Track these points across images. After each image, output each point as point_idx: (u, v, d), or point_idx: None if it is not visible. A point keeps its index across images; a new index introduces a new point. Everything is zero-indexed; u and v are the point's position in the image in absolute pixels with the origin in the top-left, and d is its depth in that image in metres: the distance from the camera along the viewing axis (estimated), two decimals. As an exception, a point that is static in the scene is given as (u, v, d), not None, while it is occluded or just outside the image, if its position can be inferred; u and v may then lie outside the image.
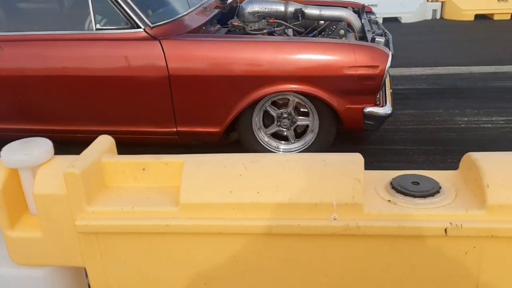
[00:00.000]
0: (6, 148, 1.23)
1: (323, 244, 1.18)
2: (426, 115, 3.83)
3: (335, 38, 3.23)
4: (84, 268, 1.30)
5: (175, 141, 3.23)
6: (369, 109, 2.97)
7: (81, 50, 2.98)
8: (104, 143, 1.31)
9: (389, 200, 1.18)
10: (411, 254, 1.16)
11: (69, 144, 3.66)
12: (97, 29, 2.98)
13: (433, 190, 1.18)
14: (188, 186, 1.18)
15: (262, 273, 1.22)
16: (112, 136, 3.29)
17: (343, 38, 3.25)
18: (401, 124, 3.72)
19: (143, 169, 1.26)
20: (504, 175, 1.11)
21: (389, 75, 3.57)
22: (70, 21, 3.16)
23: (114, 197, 1.22)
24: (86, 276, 1.36)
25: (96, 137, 3.28)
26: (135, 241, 1.21)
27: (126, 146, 3.56)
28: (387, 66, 2.87)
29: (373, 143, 3.50)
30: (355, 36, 3.34)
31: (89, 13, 2.98)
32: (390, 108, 3.05)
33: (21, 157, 1.18)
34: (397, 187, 1.21)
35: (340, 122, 3.09)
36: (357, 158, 1.20)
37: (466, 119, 3.71)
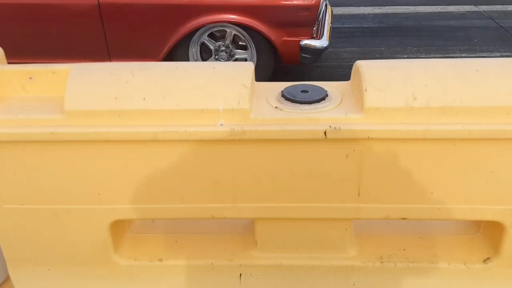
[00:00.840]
0: None
1: (212, 151, 1.19)
2: (368, 52, 3.86)
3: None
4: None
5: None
6: (305, 41, 2.95)
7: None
8: (-8, 52, 1.25)
9: (276, 107, 1.20)
10: (295, 158, 1.18)
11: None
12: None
13: (319, 97, 1.20)
14: (73, 93, 1.15)
15: (153, 182, 1.23)
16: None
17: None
18: (343, 61, 3.74)
19: (30, 78, 1.22)
20: (382, 80, 1.13)
21: (331, 9, 3.55)
22: None
23: (2, 107, 1.19)
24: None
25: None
26: (22, 151, 1.19)
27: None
28: (322, -3, 2.84)
29: (315, 78, 3.51)
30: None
31: None
32: (327, 41, 3.04)
33: None
34: (286, 95, 1.22)
35: (278, 56, 3.08)
36: (247, 66, 1.20)
37: (405, 56, 3.75)
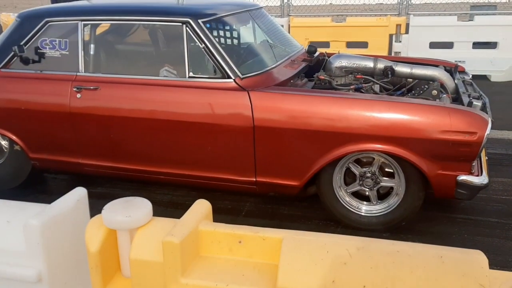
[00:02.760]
0: (107, 207, 1.23)
1: None
2: (521, 185, 3.54)
3: (428, 98, 3.10)
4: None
5: (253, 191, 3.19)
6: (463, 177, 2.77)
7: (173, 96, 3.07)
8: (202, 208, 1.28)
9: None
10: None
11: (150, 184, 3.76)
12: (189, 77, 3.08)
13: None
14: (287, 269, 1.11)
15: None
16: (190, 180, 3.34)
17: (437, 100, 3.11)
18: (493, 193, 3.45)
19: (240, 242, 1.21)
20: None
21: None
22: (164, 67, 3.29)
23: (209, 270, 1.17)
24: None
25: (177, 180, 3.32)
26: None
27: (198, 190, 3.60)
28: (486, 134, 2.69)
29: (462, 212, 3.26)
30: (449, 97, 3.18)
31: (184, 61, 3.08)
32: (487, 178, 2.83)
33: (122, 218, 1.18)
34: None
35: (429, 187, 2.91)
36: (480, 258, 1.07)
37: None
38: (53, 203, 1.27)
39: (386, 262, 1.08)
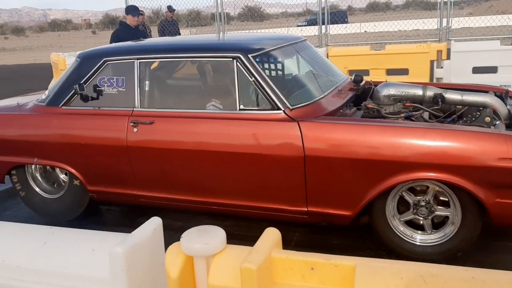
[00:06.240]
0: (185, 235, 1.30)
1: None
2: None
3: (482, 125, 3.07)
4: None
5: (304, 220, 3.21)
6: (522, 205, 2.70)
7: (224, 128, 3.18)
8: (273, 236, 1.33)
9: None
10: None
11: (200, 214, 3.84)
12: (240, 109, 3.18)
13: None
14: (362, 295, 1.13)
15: None
16: (242, 211, 3.39)
17: (492, 127, 3.07)
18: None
19: (312, 269, 1.25)
20: None
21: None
22: (215, 100, 3.41)
23: (283, 296, 1.21)
24: None
25: (228, 210, 3.38)
26: None
27: (246, 220, 3.65)
28: (544, 160, 2.63)
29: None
30: (503, 124, 3.14)
31: (234, 94, 3.20)
32: (546, 204, 2.74)
33: (200, 246, 1.24)
34: None
35: (486, 216, 2.85)
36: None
37: None
38: (133, 232, 1.35)
39: (462, 289, 1.09)
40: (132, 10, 7.03)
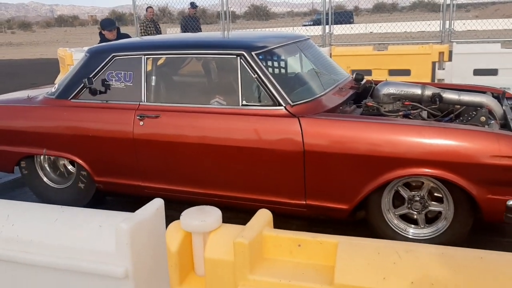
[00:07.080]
0: (184, 214, 1.42)
1: None
2: None
3: (477, 125, 3.16)
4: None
5: (303, 213, 3.32)
6: (512, 201, 2.80)
7: (227, 123, 3.30)
8: (265, 216, 1.45)
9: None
10: None
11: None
12: (243, 105, 3.29)
13: None
14: (343, 267, 1.25)
15: None
16: (242, 203, 3.51)
17: (486, 126, 3.17)
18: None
19: (299, 245, 1.37)
20: None
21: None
22: (219, 96, 3.53)
23: (272, 269, 1.33)
24: None
25: (229, 202, 3.50)
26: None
27: (246, 212, 3.74)
28: (534, 158, 2.72)
29: (510, 235, 3.25)
30: (497, 123, 3.23)
31: (237, 90, 3.31)
32: (537, 202, 2.84)
33: (198, 223, 1.36)
34: None
35: (477, 212, 2.95)
36: (520, 261, 1.18)
37: None
38: (137, 211, 1.47)
39: (431, 263, 1.20)
40: (107, 25, 6.80)
